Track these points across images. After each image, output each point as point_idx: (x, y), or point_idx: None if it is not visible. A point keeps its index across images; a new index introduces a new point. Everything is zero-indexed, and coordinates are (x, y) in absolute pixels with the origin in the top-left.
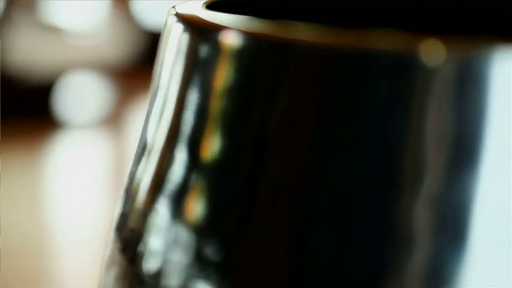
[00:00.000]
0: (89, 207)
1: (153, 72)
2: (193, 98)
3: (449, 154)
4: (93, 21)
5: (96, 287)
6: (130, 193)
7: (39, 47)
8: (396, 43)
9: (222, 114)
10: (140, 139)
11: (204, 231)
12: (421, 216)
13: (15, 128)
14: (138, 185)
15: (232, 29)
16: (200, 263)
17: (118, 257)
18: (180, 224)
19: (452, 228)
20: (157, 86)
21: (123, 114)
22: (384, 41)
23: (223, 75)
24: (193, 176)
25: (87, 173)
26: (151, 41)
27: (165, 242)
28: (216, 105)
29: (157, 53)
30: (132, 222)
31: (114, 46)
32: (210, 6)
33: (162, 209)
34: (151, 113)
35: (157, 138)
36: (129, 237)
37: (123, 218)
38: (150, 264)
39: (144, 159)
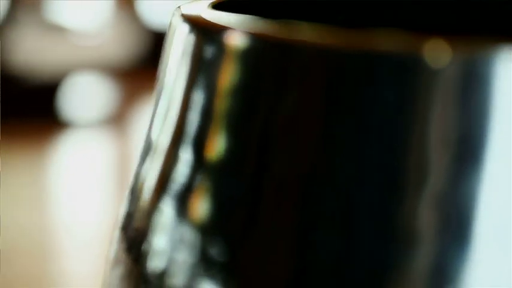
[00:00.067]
0: (93, 206)
1: (158, 72)
2: (198, 98)
3: (454, 154)
4: (98, 21)
5: (101, 287)
6: (135, 193)
7: (44, 46)
8: (401, 44)
9: (227, 114)
10: (145, 139)
11: (209, 231)
12: (426, 216)
13: (18, 127)
14: (143, 184)
15: (237, 29)
16: (205, 263)
17: (123, 257)
18: (185, 224)
19: (456, 228)
20: (162, 86)
21: (128, 114)
22: (388, 42)
23: (228, 76)
24: (199, 176)
25: (92, 173)
26: (156, 41)
27: (170, 242)
28: (221, 105)
29: (162, 53)
30: (137, 222)
31: (119, 46)
32: (215, 6)
33: (167, 209)
34: (156, 113)
35: (163, 138)
36: (134, 236)
37: (128, 217)
38: (155, 264)
39: (149, 159)
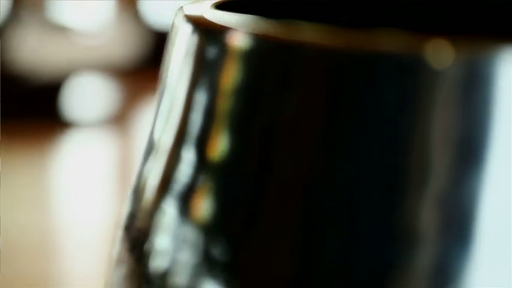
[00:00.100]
0: (94, 206)
1: (161, 72)
2: (200, 99)
3: (456, 155)
4: (100, 21)
5: (103, 286)
6: (138, 193)
7: (46, 46)
8: (402, 45)
9: (230, 115)
10: (148, 139)
11: (212, 231)
12: (428, 216)
13: (20, 127)
14: (146, 184)
15: (240, 30)
16: (207, 263)
17: (125, 256)
18: (187, 224)
19: (458, 228)
20: (165, 87)
21: (130, 113)
22: (390, 42)
23: (230, 76)
24: (201, 176)
25: (93, 173)
26: (159, 41)
27: (172, 242)
28: (224, 105)
29: (165, 53)
30: (140, 222)
31: (121, 46)
32: (218, 6)
33: (170, 209)
34: (159, 113)
35: (165, 138)
36: (137, 236)
37: (131, 217)
38: (157, 264)
39: (152, 159)
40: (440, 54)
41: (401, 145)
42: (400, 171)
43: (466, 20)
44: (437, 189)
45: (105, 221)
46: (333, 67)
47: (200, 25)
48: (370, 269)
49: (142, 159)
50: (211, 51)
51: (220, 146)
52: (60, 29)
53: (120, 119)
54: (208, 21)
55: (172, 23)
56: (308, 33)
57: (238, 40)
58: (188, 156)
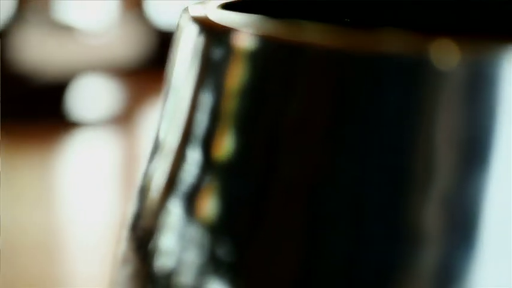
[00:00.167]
0: (99, 206)
1: (166, 72)
2: (206, 99)
3: (461, 155)
4: (105, 21)
5: (108, 286)
6: (143, 192)
7: (51, 46)
8: (408, 46)
9: (235, 115)
10: (154, 139)
11: (217, 231)
12: (433, 217)
13: (25, 126)
14: (152, 184)
15: (245, 31)
16: (212, 263)
17: (131, 256)
18: (193, 224)
19: (463, 229)
20: (171, 87)
21: (135, 113)
22: (395, 43)
23: (235, 77)
24: (207, 176)
25: (98, 172)
26: (163, 41)
27: (178, 242)
28: (229, 105)
29: (170, 53)
30: (146, 222)
31: (126, 46)
32: (223, 7)
33: (175, 209)
34: (164, 113)
35: (171, 138)
36: (142, 236)
37: (137, 217)
38: (162, 264)
39: (157, 159)
40: (445, 55)
41: (405, 146)
42: (404, 172)
43: (466, 20)
44: (441, 190)
45: (109, 221)
46: (338, 68)
47: (205, 26)
48: (375, 270)
49: (148, 159)
50: (217, 52)
51: (225, 146)
52: (65, 29)
53: (124, 119)
54: (214, 22)
55: (178, 24)
56: (313, 34)
57: (243, 41)
58: (194, 156)
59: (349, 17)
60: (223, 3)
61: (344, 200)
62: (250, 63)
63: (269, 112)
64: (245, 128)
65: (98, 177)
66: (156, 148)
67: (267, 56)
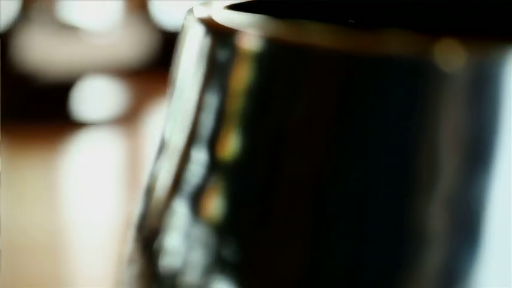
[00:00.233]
0: (103, 206)
1: (172, 73)
2: (211, 100)
3: (465, 156)
4: (110, 21)
5: (114, 286)
6: (150, 192)
7: (56, 46)
8: (413, 47)
9: (240, 116)
10: (160, 139)
11: (222, 231)
12: (437, 217)
13: (30, 127)
14: (158, 184)
15: (250, 32)
16: (218, 263)
17: (137, 256)
18: (198, 224)
19: (467, 229)
20: (176, 88)
21: (139, 114)
22: (400, 44)
23: (241, 78)
24: (212, 177)
25: (103, 173)
26: (168, 41)
27: (183, 242)
28: (235, 106)
29: (176, 54)
30: (152, 221)
31: (131, 46)
32: (230, 7)
33: (181, 209)
34: (170, 114)
35: (177, 139)
36: (148, 236)
37: (143, 217)
38: (168, 263)
39: (163, 159)
40: (450, 57)
41: (410, 147)
42: (409, 172)
43: (466, 20)
44: (445, 191)
45: (113, 222)
46: (343, 69)
47: (210, 27)
48: (379, 270)
49: (154, 159)
50: (222, 53)
51: (230, 146)
52: (70, 29)
53: (129, 120)
54: (219, 23)
55: (183, 25)
56: (318, 35)
57: (249, 42)
58: (199, 157)
59: (354, 18)
60: (228, 4)
61: (349, 201)
62: (255, 64)
63: (274, 113)
64: (250, 129)
65: (102, 178)
66: (161, 148)
67: (272, 57)
